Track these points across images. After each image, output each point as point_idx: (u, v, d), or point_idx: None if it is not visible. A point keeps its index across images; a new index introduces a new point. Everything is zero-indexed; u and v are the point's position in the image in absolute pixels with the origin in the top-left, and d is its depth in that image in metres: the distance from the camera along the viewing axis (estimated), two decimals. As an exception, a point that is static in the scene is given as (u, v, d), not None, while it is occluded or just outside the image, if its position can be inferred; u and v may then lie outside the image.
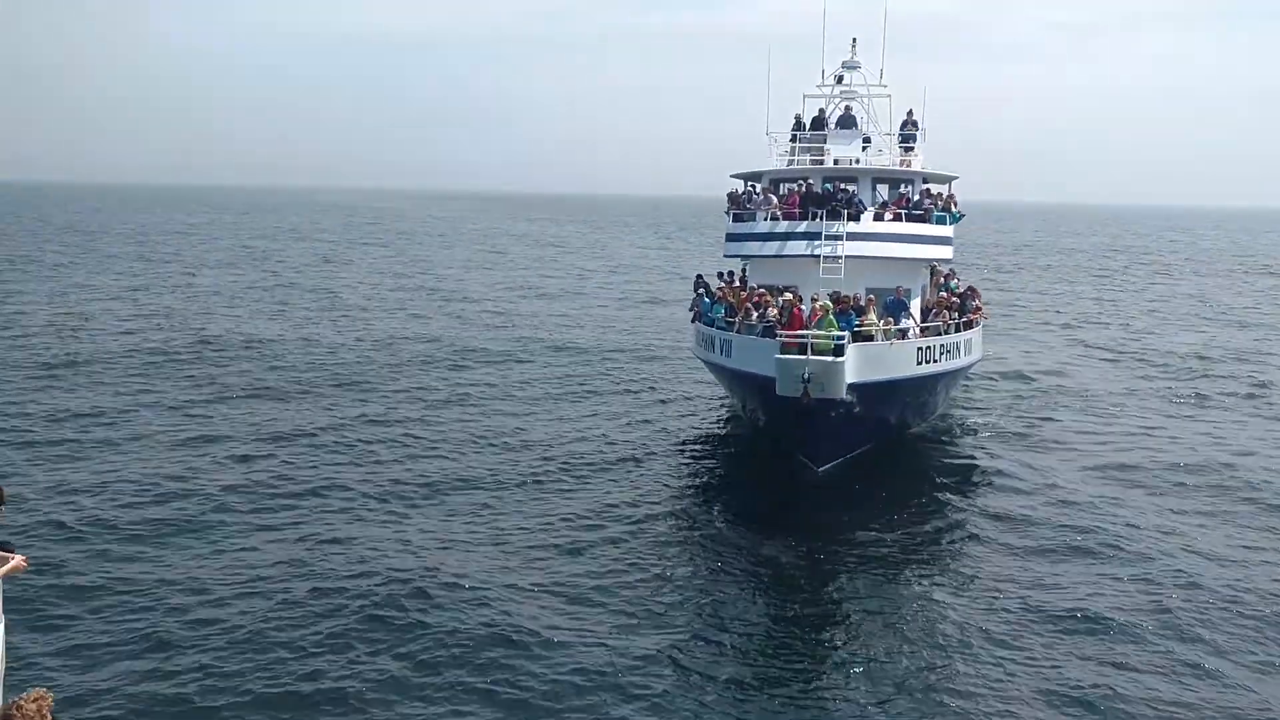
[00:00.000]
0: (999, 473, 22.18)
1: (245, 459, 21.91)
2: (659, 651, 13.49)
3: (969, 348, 24.86)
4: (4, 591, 7.35)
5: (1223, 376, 34.03)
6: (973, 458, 23.71)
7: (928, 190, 28.05)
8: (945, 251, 26.69)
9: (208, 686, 12.24)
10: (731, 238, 27.34)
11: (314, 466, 21.57)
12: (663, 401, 29.40)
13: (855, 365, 19.65)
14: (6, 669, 7.39)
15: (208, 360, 33.09)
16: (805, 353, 19.22)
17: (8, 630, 7.71)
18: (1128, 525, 18.61)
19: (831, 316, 20.28)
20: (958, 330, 24.18)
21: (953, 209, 27.37)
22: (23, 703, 5.34)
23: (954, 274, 29.97)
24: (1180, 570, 16.50)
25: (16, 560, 7.72)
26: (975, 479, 21.95)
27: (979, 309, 26.22)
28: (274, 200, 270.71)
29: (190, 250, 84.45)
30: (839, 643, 14.07)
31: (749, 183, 29.40)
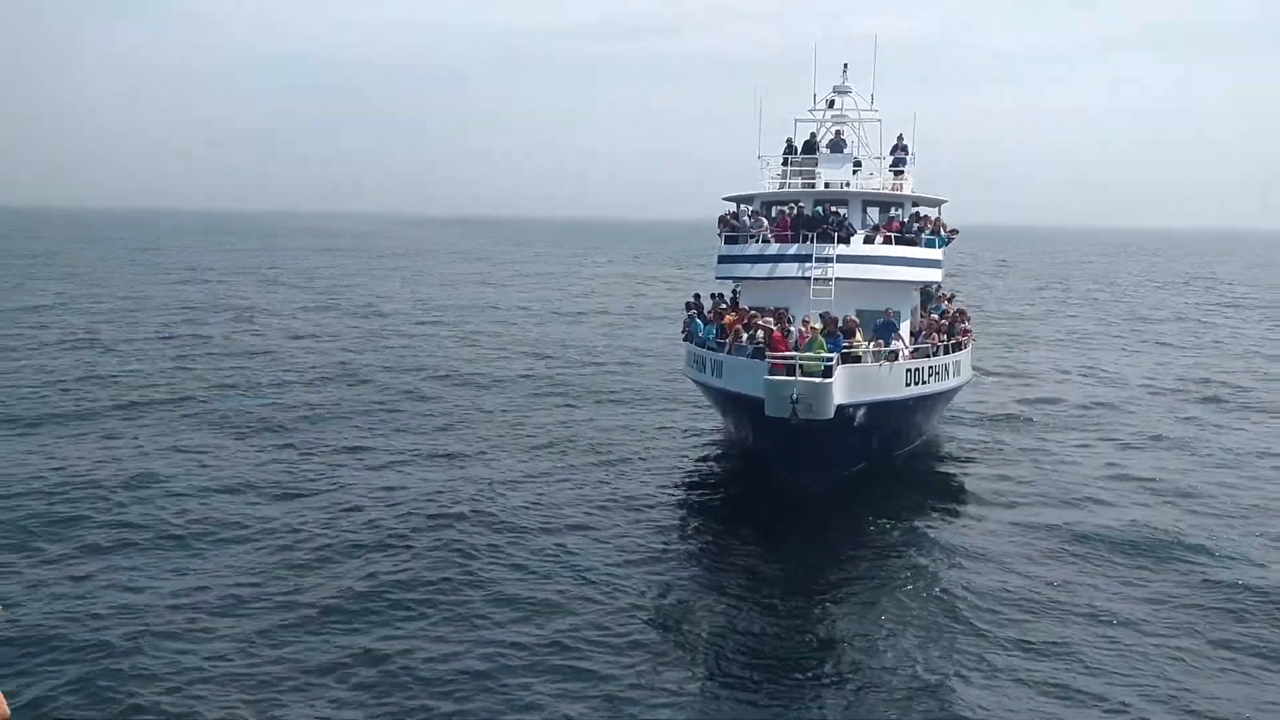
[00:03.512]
0: (988, 491, 22.41)
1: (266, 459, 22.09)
2: (643, 667, 13.63)
3: (958, 369, 25.10)
4: None
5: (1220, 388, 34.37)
6: (961, 477, 23.93)
7: (917, 213, 28.34)
8: (935, 274, 26.98)
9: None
10: (723, 259, 27.53)
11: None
12: (652, 419, 29.62)
13: (844, 386, 19.85)
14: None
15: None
16: (794, 374, 19.44)
17: None
18: (1125, 537, 19.02)
19: (821, 338, 20.49)
20: (947, 352, 24.42)
21: (942, 232, 27.63)
22: None
23: (949, 296, 30.26)
24: (1181, 579, 16.93)
25: None
26: (963, 498, 22.18)
27: (967, 331, 26.49)
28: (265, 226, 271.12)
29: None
30: (824, 658, 14.19)
31: (741, 205, 29.68)
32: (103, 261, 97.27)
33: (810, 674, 13.64)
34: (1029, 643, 14.52)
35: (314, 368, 36.86)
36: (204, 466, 23.15)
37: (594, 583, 16.60)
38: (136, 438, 25.71)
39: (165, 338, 44.21)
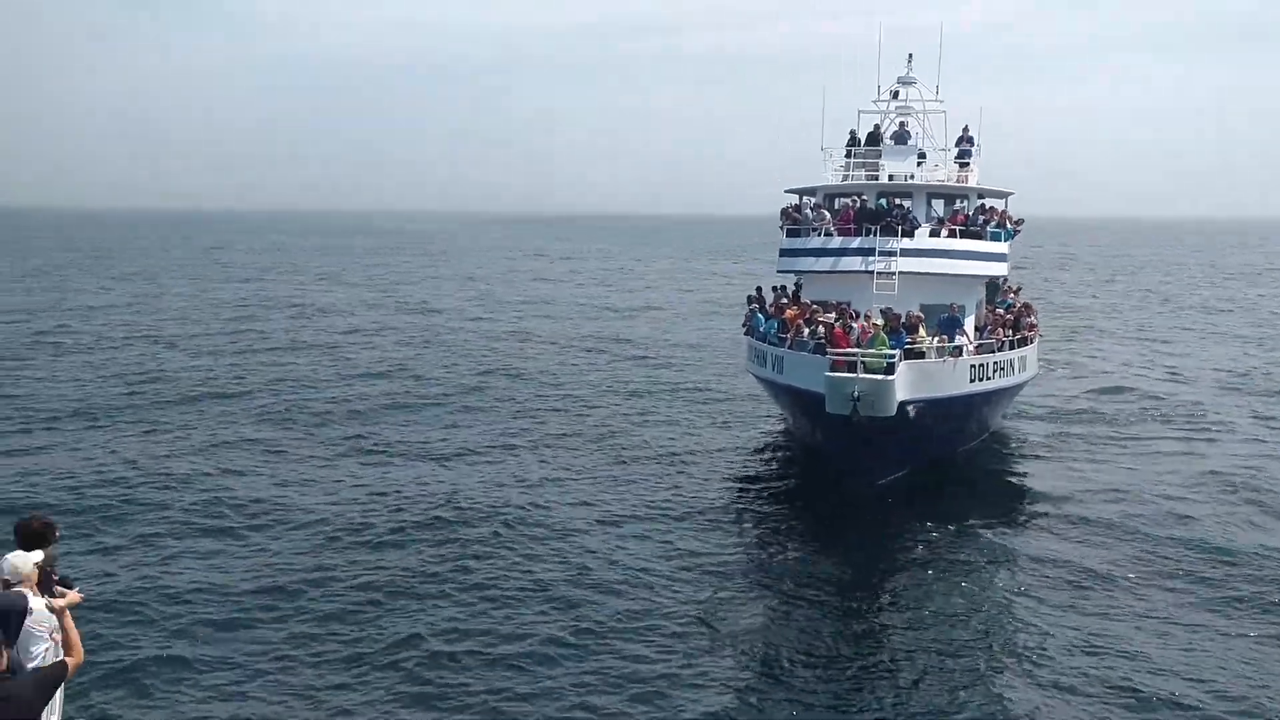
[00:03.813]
0: (1053, 488, 21.95)
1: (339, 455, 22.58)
2: (692, 659, 13.65)
3: (1024, 364, 24.70)
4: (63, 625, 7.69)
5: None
6: (1026, 473, 23.53)
7: (983, 205, 27.96)
8: (1000, 268, 26.54)
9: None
10: (785, 253, 27.39)
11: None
12: (716, 413, 29.64)
13: (906, 383, 19.65)
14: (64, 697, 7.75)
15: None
16: (855, 371, 19.30)
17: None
18: (1197, 537, 18.51)
19: (883, 334, 20.31)
20: (1012, 347, 24.05)
21: (1008, 225, 27.20)
22: None
23: (1016, 289, 29.80)
24: (1258, 581, 16.45)
25: (73, 594, 8.15)
26: (1028, 495, 21.77)
27: (1033, 325, 26.02)
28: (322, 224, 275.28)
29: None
30: (876, 655, 14.06)
31: (803, 197, 29.52)
32: (170, 259, 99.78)
33: (860, 672, 13.53)
34: (1094, 647, 14.19)
35: (374, 363, 37.35)
36: (268, 459, 23.72)
37: (647, 575, 16.66)
38: (203, 430, 26.42)
39: (232, 333, 45.30)
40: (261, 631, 14.36)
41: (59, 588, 7.81)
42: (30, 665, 7.13)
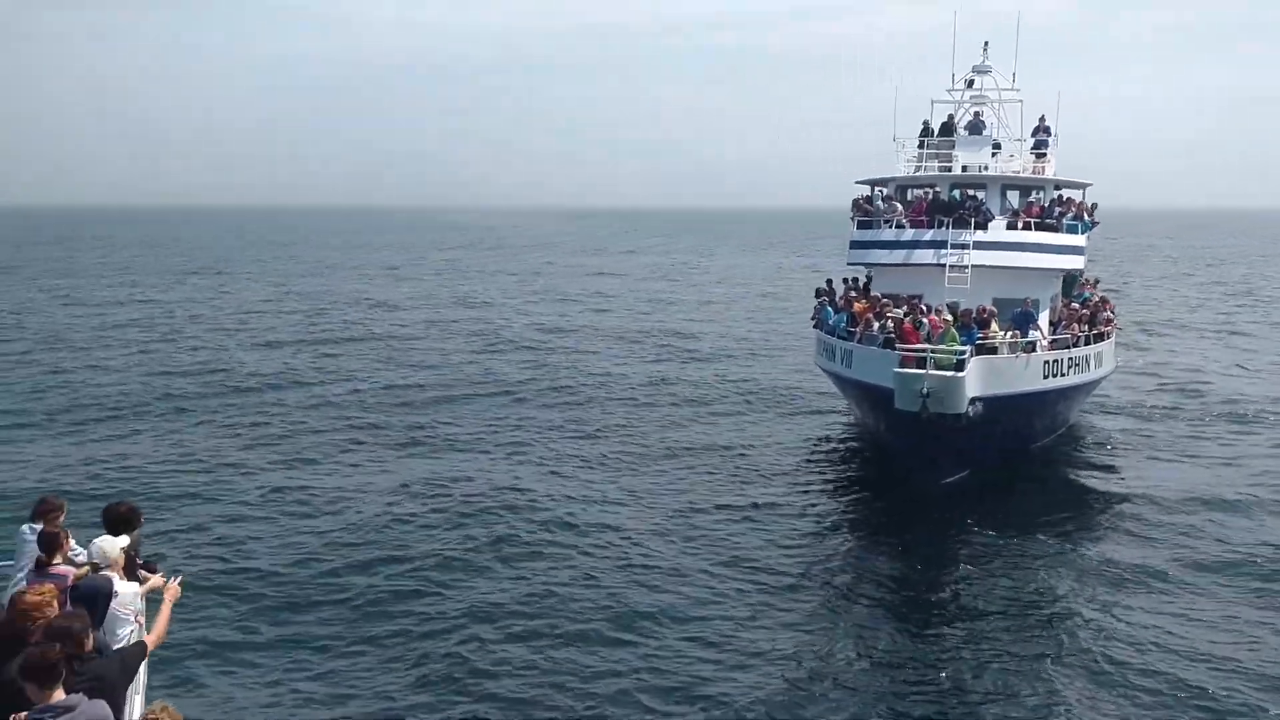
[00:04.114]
0: (1128, 489, 21.40)
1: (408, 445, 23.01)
2: (755, 650, 13.66)
3: (1100, 360, 24.15)
4: (145, 608, 7.96)
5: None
6: (1101, 472, 22.97)
7: (1060, 197, 27.34)
8: (1077, 261, 25.94)
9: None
10: (856, 245, 27.11)
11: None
12: (777, 406, 29.52)
13: (977, 379, 19.36)
14: (148, 680, 8.01)
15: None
16: (924, 367, 19.06)
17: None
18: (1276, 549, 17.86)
19: (953, 330, 20.03)
20: (1088, 342, 23.53)
21: (1085, 217, 26.56)
22: (156, 712, 5.72)
23: (1093, 283, 29.10)
24: None
25: (155, 579, 8.45)
26: (1103, 495, 21.22)
27: (1110, 320, 25.39)
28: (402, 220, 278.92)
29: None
30: (944, 656, 13.87)
31: (875, 188, 29.17)
32: (246, 255, 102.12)
33: (919, 672, 13.35)
34: (1163, 651, 13.83)
35: (437, 357, 37.81)
36: (339, 450, 24.30)
37: (705, 566, 16.73)
38: (279, 419, 27.12)
39: (302, 326, 46.32)
40: (322, 613, 14.79)
41: (143, 571, 8.12)
42: (116, 647, 7.42)
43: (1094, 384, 25.03)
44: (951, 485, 20.70)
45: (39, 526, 8.07)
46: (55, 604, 6.82)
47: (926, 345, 19.82)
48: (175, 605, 7.84)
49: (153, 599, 7.88)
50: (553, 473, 22.22)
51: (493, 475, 21.90)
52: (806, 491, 21.48)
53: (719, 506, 19.98)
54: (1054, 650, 13.89)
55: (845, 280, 27.83)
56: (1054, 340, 22.87)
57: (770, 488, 21.38)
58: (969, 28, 29.41)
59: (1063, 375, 22.13)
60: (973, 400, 19.37)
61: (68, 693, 5.90)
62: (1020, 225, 25.26)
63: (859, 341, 22.51)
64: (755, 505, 20.08)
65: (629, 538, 18.06)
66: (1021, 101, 28.84)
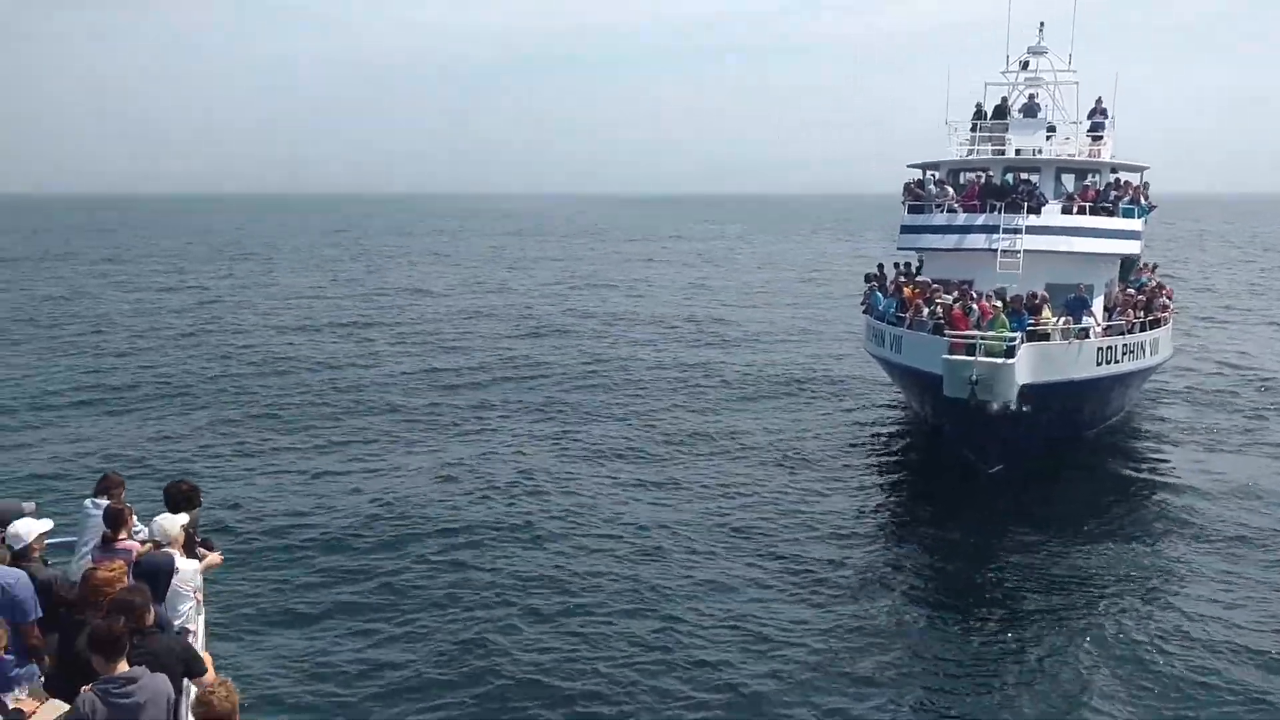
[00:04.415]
0: (1184, 479, 21.03)
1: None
2: (803, 638, 13.66)
3: (1156, 347, 23.72)
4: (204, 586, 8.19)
5: None
6: (1157, 461, 22.61)
7: (1117, 181, 26.84)
8: (1133, 246, 25.47)
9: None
10: (906, 229, 26.87)
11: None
12: (828, 392, 29.43)
13: (1028, 366, 19.16)
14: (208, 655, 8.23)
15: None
16: (974, 353, 18.89)
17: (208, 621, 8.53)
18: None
19: (1003, 316, 19.81)
20: (1144, 329, 23.13)
21: (1142, 201, 26.06)
22: (214, 688, 5.76)
23: (1151, 268, 28.59)
24: None
25: (213, 556, 8.71)
26: (1157, 486, 20.86)
27: (1167, 306, 24.90)
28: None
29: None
30: (986, 649, 13.76)
31: (926, 172, 28.86)
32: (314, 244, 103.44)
33: (961, 667, 13.22)
34: (1203, 649, 13.50)
35: (479, 345, 37.98)
36: (381, 432, 24.67)
37: (746, 551, 16.79)
38: (324, 401, 27.64)
39: (345, 312, 46.95)
40: (363, 585, 15.13)
41: (201, 549, 8.39)
42: (176, 623, 7.68)
43: (1149, 371, 24.62)
44: (1001, 473, 20.54)
45: (102, 502, 8.35)
46: (125, 580, 7.07)
47: (976, 332, 19.62)
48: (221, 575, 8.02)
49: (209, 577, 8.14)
50: (595, 456, 22.40)
51: (534, 460, 22.11)
52: (853, 476, 21.41)
53: (762, 491, 20.00)
54: (1097, 646, 13.64)
55: (896, 265, 27.64)
56: (1108, 326, 22.51)
57: (816, 472, 21.36)
58: (1026, 10, 28.84)
59: (1116, 362, 21.80)
60: (1033, 387, 19.16)
61: (130, 665, 6.13)
62: (1075, 209, 24.85)
63: (909, 327, 22.36)
64: (799, 490, 20.09)
65: (666, 525, 18.13)
66: (1078, 83, 28.35)
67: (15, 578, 7.08)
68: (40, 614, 7.15)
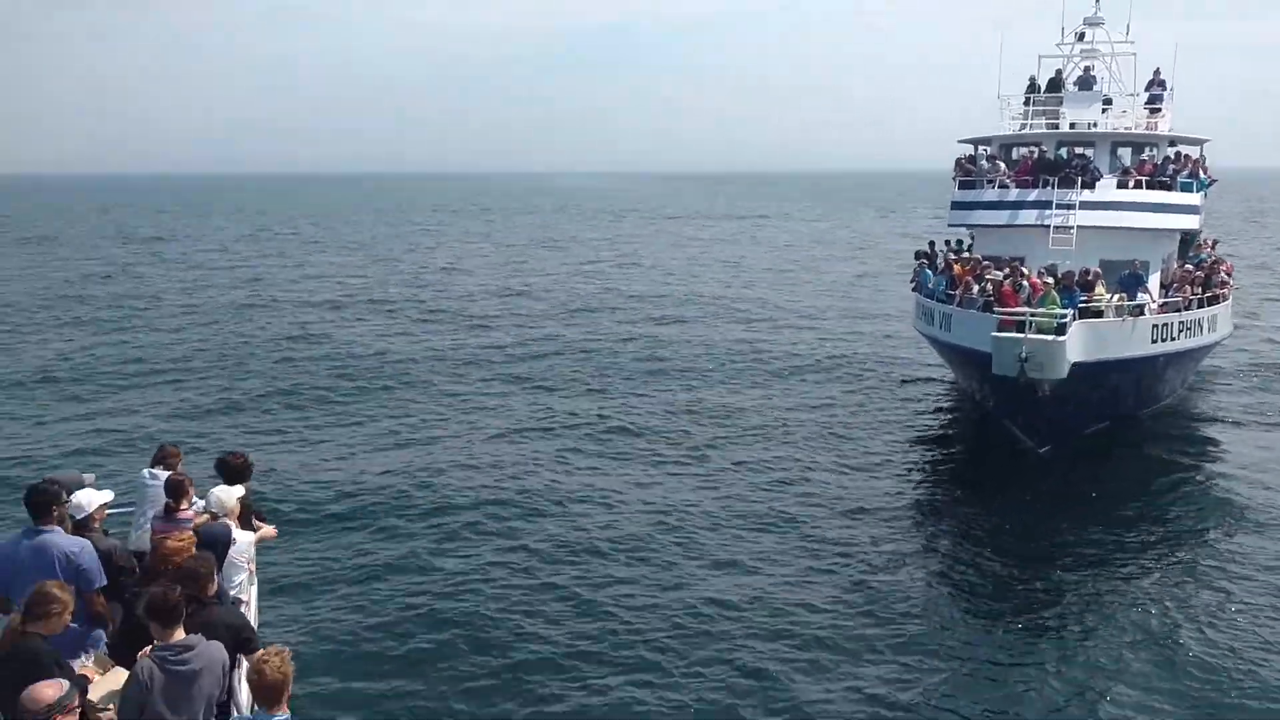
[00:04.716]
0: (1242, 464, 20.48)
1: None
2: (852, 618, 13.63)
3: (1214, 324, 23.21)
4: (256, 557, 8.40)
5: None
6: (1214, 444, 22.09)
7: (1177, 154, 26.26)
8: (1192, 221, 24.90)
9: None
10: (957, 205, 26.53)
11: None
12: (882, 373, 29.28)
13: (1080, 344, 18.87)
14: (259, 625, 8.46)
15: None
16: (1024, 330, 18.67)
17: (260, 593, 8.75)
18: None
19: (1054, 293, 19.53)
20: (1202, 305, 22.66)
21: (1201, 175, 25.47)
22: (269, 657, 5.88)
23: (1212, 244, 27.97)
24: None
25: (267, 529, 8.94)
26: (1214, 469, 20.35)
27: (1226, 283, 24.34)
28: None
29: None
30: (1048, 630, 13.60)
31: (978, 147, 28.48)
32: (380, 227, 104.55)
33: (1005, 654, 13.00)
34: (1270, 650, 13.04)
35: (524, 325, 38.01)
36: (425, 409, 24.94)
37: (796, 528, 16.77)
38: (364, 379, 27.99)
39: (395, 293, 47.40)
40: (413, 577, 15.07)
41: (256, 521, 8.63)
42: (231, 593, 7.94)
43: (1207, 349, 24.14)
44: (1051, 453, 20.31)
45: (159, 472, 8.61)
46: (193, 549, 7.32)
47: (1026, 308, 19.37)
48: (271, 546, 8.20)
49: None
50: (636, 432, 22.48)
51: (571, 436, 22.20)
52: (898, 454, 21.29)
53: (805, 469, 19.95)
54: (1139, 631, 13.30)
55: (947, 243, 27.31)
56: (1164, 303, 22.08)
57: (861, 450, 21.24)
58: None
59: (1172, 340, 21.39)
60: (1085, 365, 18.91)
61: (187, 634, 6.34)
62: (1130, 184, 24.38)
63: (958, 305, 22.13)
64: (843, 467, 20.03)
65: (703, 501, 18.12)
66: (1135, 54, 27.74)
67: (80, 546, 7.35)
68: (105, 581, 7.42)
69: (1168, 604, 14.12)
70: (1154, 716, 11.49)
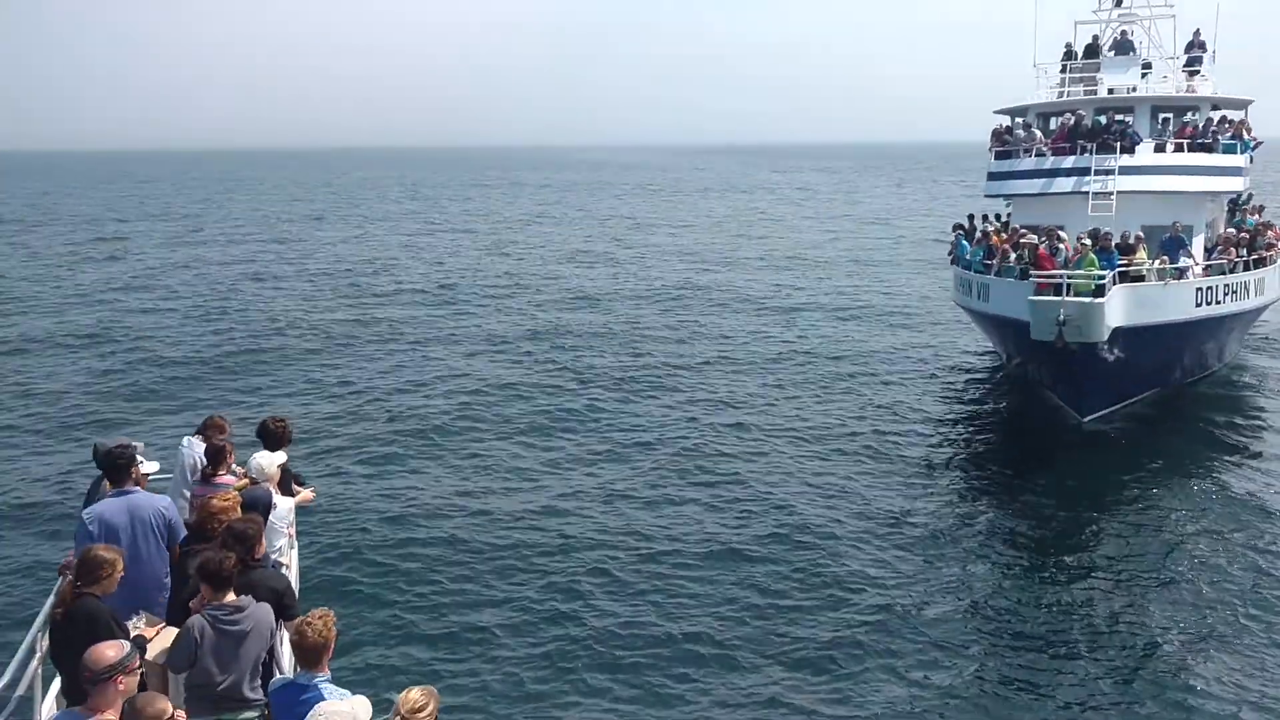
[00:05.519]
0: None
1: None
2: (901, 602, 13.52)
3: (1260, 288, 22.81)
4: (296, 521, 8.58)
5: None
6: (1261, 414, 21.68)
7: (1221, 118, 25.76)
8: (1235, 183, 24.42)
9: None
10: (993, 176, 26.29)
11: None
12: (914, 342, 29.11)
13: (1120, 307, 18.63)
14: (301, 589, 8.64)
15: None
16: (1061, 294, 18.47)
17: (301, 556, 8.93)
18: None
19: (1092, 255, 19.28)
20: (1247, 268, 22.27)
21: (1245, 135, 24.97)
22: (312, 619, 5.96)
23: (1259, 208, 27.44)
24: None
25: (306, 493, 9.13)
26: (1263, 441, 19.88)
27: (1273, 245, 23.88)
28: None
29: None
30: (1091, 609, 13.24)
31: (1014, 118, 28.15)
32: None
33: (1059, 637, 12.71)
34: None
35: (569, 312, 38.13)
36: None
37: (828, 507, 16.64)
38: (405, 363, 28.24)
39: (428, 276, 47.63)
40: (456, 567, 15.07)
41: (295, 485, 8.85)
42: (273, 557, 8.13)
43: (1255, 314, 23.74)
44: (1094, 424, 20.07)
45: (197, 441, 8.85)
46: (238, 509, 7.53)
47: (1063, 271, 19.12)
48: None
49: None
50: (688, 406, 22.47)
51: (615, 421, 22.19)
52: (940, 429, 21.16)
53: (845, 438, 19.94)
54: (1176, 609, 13.04)
55: (984, 217, 27.08)
56: (1208, 266, 21.70)
57: (900, 424, 21.14)
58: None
59: (1217, 303, 21.06)
60: (1125, 329, 18.63)
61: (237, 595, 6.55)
62: (1171, 147, 23.98)
63: (995, 274, 21.95)
64: (881, 441, 19.93)
65: (740, 472, 18.15)
66: (1174, 16, 27.24)
67: (167, 503, 7.64)
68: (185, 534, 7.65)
69: (1204, 582, 13.74)
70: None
